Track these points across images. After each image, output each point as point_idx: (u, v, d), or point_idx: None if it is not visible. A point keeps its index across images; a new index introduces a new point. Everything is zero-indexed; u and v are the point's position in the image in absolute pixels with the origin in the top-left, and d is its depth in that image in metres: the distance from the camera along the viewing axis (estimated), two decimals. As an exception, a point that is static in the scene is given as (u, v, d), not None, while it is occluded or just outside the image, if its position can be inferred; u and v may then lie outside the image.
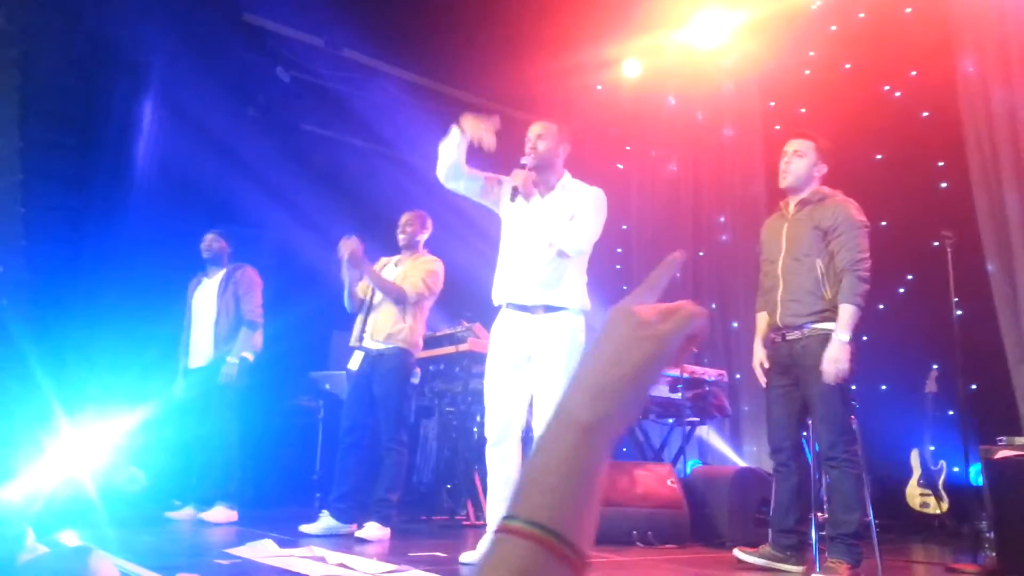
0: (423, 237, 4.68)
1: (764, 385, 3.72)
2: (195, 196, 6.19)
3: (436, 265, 4.54)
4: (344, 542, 3.88)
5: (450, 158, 3.33)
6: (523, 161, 3.36)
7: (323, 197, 6.93)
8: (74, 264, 5.46)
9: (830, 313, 3.41)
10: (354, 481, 4.32)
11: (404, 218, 4.70)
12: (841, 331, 3.32)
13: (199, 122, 6.23)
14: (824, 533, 3.43)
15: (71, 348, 5.28)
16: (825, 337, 3.39)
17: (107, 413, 4.56)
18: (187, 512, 4.71)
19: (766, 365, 3.68)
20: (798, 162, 3.61)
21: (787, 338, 3.52)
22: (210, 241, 5.15)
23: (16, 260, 5.27)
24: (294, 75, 6.97)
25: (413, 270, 4.50)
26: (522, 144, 3.47)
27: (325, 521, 4.22)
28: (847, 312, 3.33)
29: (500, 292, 3.44)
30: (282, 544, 3.41)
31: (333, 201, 7.00)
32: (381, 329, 4.43)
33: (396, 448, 4.33)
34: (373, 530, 4.12)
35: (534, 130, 3.44)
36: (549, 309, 3.31)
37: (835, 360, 3.30)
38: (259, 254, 5.19)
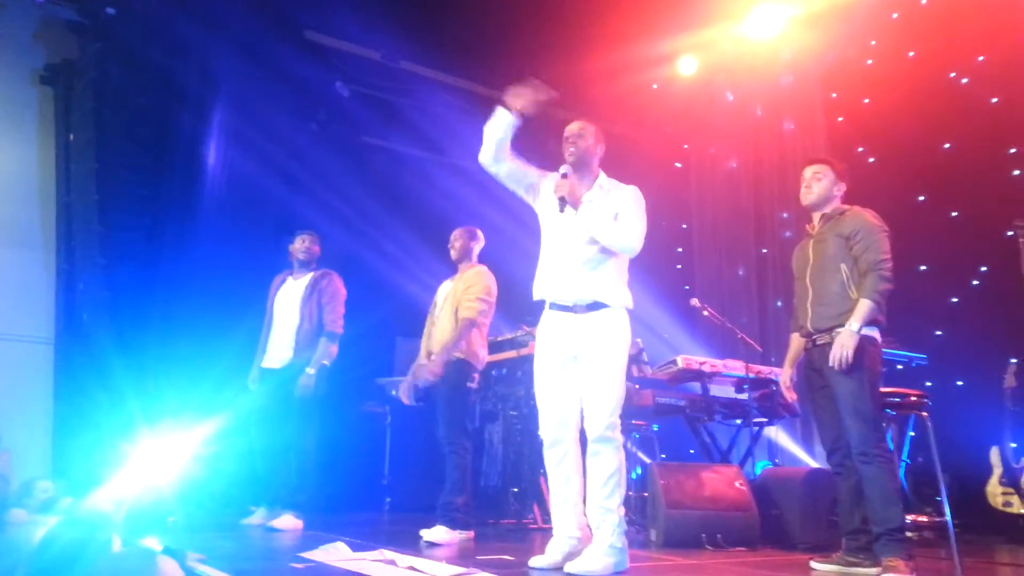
0: (476, 248, 4.73)
1: (792, 400, 3.88)
2: (261, 210, 6.37)
3: (483, 277, 4.59)
4: (415, 545, 3.94)
5: (495, 136, 3.33)
6: (561, 171, 3.37)
7: (384, 207, 7.06)
8: (150, 281, 5.67)
9: None
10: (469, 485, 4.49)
11: (453, 235, 4.78)
12: (854, 321, 3.37)
13: (264, 138, 6.41)
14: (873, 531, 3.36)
15: (149, 361, 5.49)
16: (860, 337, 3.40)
17: (184, 423, 4.72)
18: (259, 516, 4.81)
19: (787, 384, 3.81)
20: (818, 184, 3.73)
21: (817, 343, 3.57)
22: (309, 243, 5.11)
23: (95, 278, 5.50)
24: (353, 89, 7.12)
25: (462, 283, 4.58)
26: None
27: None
28: (864, 306, 3.38)
29: (541, 289, 3.45)
30: (354, 548, 3.48)
31: (394, 210, 7.13)
32: (439, 343, 4.52)
33: (455, 452, 4.40)
34: (440, 533, 4.18)
35: (572, 128, 3.47)
36: (592, 307, 3.31)
37: (841, 344, 3.34)
38: (323, 264, 5.29)
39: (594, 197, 3.39)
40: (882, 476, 3.29)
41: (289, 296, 5.07)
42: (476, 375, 4.56)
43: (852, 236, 3.51)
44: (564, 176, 3.35)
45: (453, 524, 4.26)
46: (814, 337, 3.59)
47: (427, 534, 4.19)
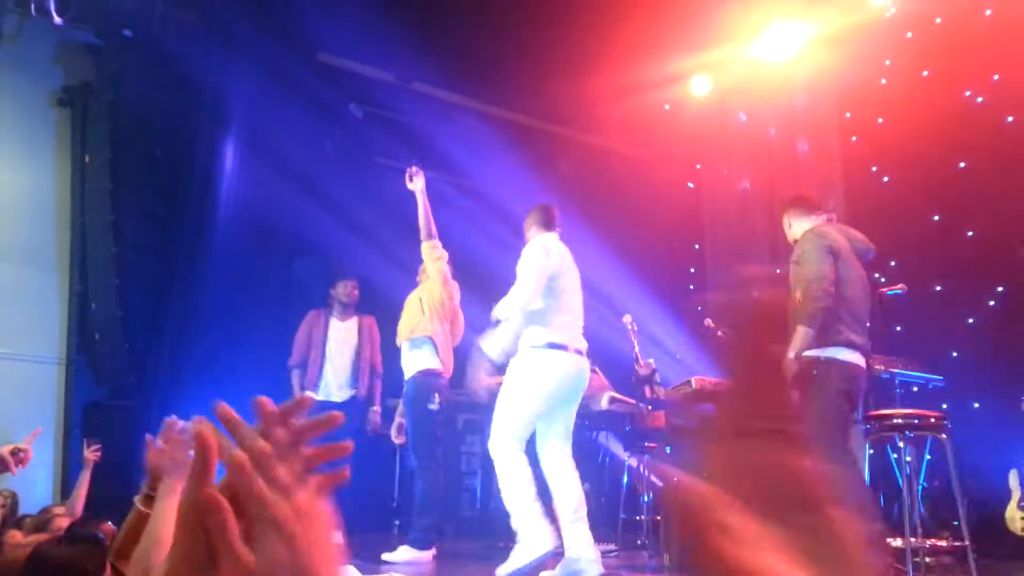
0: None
1: None
2: (275, 230, 6.38)
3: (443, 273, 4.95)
4: (423, 570, 3.90)
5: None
6: None
7: (397, 228, 7.05)
8: (164, 301, 5.68)
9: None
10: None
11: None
12: (789, 349, 3.42)
13: (278, 160, 6.44)
14: None
15: (163, 383, 5.48)
16: (803, 362, 3.46)
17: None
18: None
19: None
20: (789, 231, 3.97)
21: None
22: (351, 288, 5.57)
23: (109, 298, 5.52)
24: (367, 110, 7.15)
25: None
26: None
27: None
28: (798, 333, 3.42)
29: None
30: (363, 571, 3.45)
31: (407, 232, 7.12)
32: (402, 334, 4.88)
33: (423, 474, 4.55)
34: (402, 553, 4.23)
35: None
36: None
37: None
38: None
39: None
40: None
41: (344, 337, 5.45)
42: (437, 395, 4.61)
43: (798, 261, 3.60)
44: None
45: (417, 544, 4.28)
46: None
47: (389, 556, 4.24)
